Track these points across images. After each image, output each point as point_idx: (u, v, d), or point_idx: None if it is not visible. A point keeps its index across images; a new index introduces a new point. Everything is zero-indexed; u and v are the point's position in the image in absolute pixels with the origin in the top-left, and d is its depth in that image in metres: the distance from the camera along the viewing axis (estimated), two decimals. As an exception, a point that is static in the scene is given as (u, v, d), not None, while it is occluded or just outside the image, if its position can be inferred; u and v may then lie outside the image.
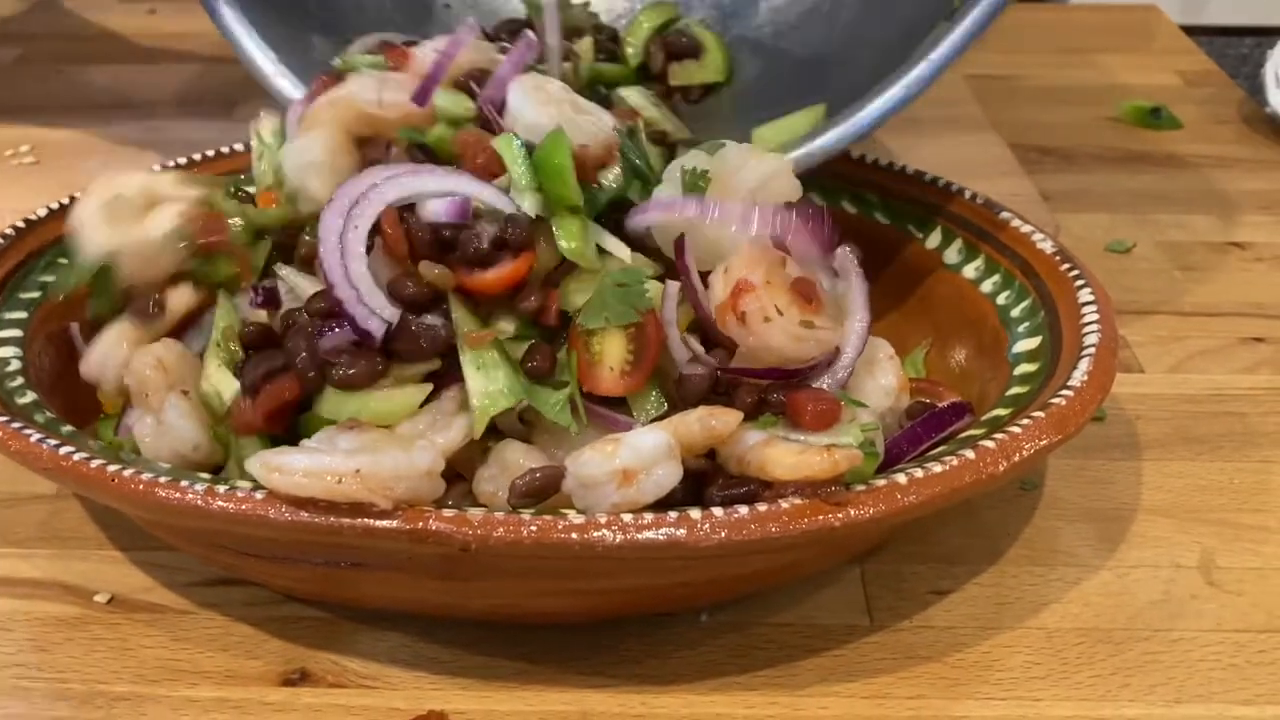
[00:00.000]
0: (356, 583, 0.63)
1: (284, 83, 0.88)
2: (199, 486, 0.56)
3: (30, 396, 0.68)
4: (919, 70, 0.76)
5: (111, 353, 0.68)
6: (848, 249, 0.67)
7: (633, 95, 0.81)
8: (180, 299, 0.67)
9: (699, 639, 0.67)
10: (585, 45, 0.89)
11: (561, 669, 0.65)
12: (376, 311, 0.61)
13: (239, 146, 0.91)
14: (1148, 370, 0.90)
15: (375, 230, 0.64)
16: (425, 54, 0.74)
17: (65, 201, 0.83)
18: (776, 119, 0.82)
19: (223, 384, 0.63)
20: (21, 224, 0.81)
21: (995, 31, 0.78)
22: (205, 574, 0.71)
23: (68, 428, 0.66)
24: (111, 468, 0.58)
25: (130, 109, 1.23)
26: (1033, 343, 0.73)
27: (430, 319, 0.62)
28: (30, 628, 0.69)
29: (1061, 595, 0.71)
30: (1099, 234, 1.07)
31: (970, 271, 0.81)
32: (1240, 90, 1.34)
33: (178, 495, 0.56)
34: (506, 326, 0.63)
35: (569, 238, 0.65)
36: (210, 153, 0.91)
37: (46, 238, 0.81)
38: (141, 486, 0.57)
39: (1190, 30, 1.53)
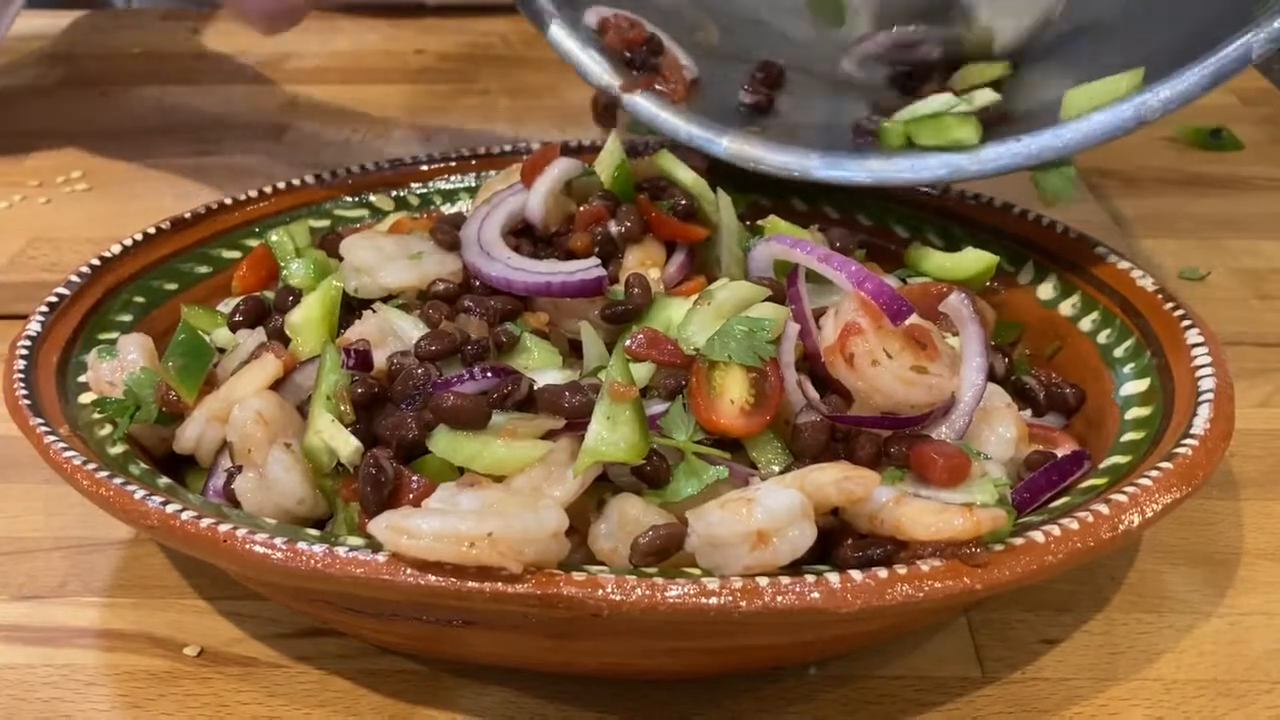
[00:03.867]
0: (463, 639, 0.61)
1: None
2: (318, 549, 0.55)
3: (121, 448, 0.66)
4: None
5: (207, 429, 0.67)
6: (962, 296, 0.66)
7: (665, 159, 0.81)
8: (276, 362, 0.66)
9: (810, 693, 0.66)
10: None
11: (673, 726, 0.64)
12: None
13: (263, 189, 0.89)
14: (1238, 405, 0.88)
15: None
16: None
17: (138, 238, 0.82)
18: (1093, 80, 0.80)
19: (338, 440, 0.61)
20: (96, 262, 0.79)
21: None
22: (295, 624, 0.70)
23: (164, 480, 0.64)
24: (223, 527, 0.56)
25: (178, 132, 1.22)
26: (1141, 384, 0.72)
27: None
28: (121, 683, 0.67)
29: (1174, 644, 0.69)
30: (1169, 260, 1.06)
31: (1067, 308, 0.79)
32: (1299, 109, 1.33)
33: (297, 559, 0.54)
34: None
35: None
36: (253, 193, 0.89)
37: (122, 274, 0.79)
38: (256, 549, 0.55)
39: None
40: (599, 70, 0.84)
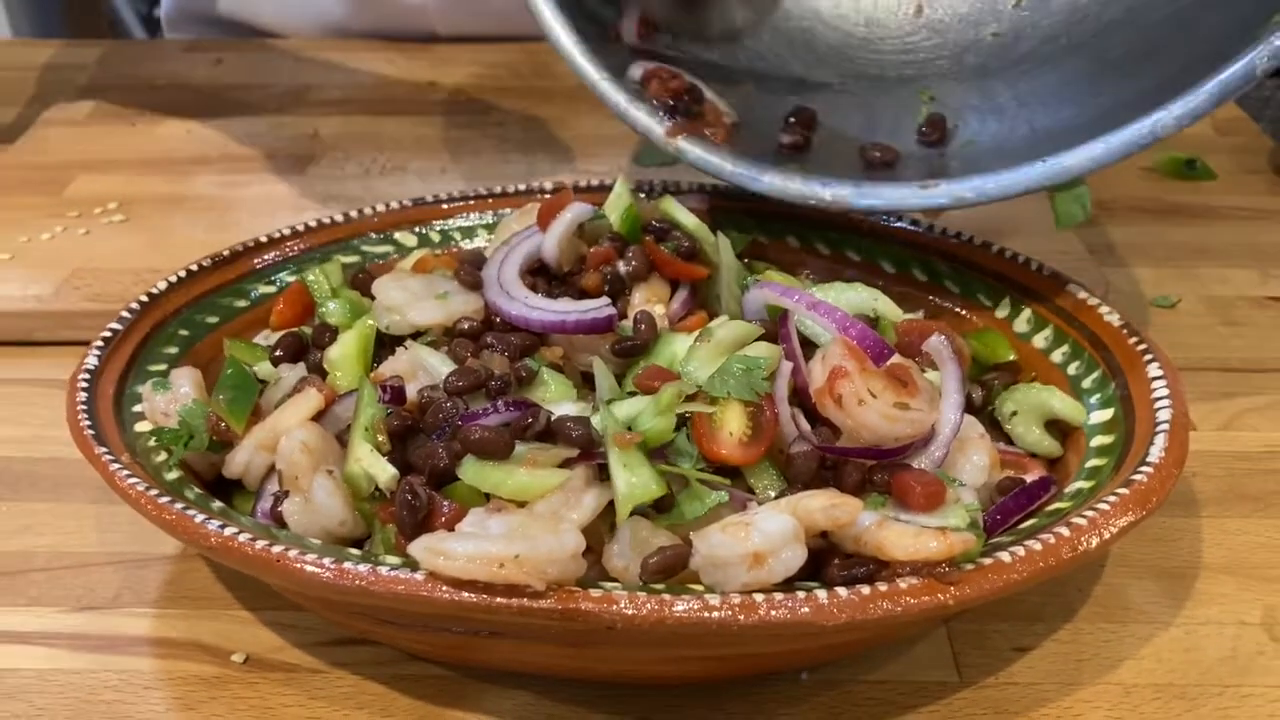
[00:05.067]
0: (488, 648, 0.68)
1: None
2: (363, 568, 0.61)
3: (176, 473, 0.73)
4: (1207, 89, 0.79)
5: (255, 456, 0.74)
6: (942, 338, 0.72)
7: (669, 204, 0.87)
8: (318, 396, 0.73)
9: (801, 697, 0.72)
10: None
11: (678, 727, 0.70)
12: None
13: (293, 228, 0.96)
14: (1200, 428, 0.95)
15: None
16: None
17: (181, 275, 0.88)
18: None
19: (376, 468, 0.68)
20: (144, 298, 0.85)
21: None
22: (331, 634, 0.76)
23: (217, 504, 0.70)
24: (276, 549, 0.63)
25: (207, 163, 1.28)
26: (1106, 414, 0.78)
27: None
28: (175, 687, 0.74)
29: (1135, 651, 0.76)
30: (1144, 288, 1.12)
31: (1040, 341, 0.86)
32: (1269, 140, 1.39)
33: (344, 577, 0.61)
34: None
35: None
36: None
37: (167, 309, 0.86)
38: (307, 568, 0.62)
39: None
40: (649, 120, 0.90)
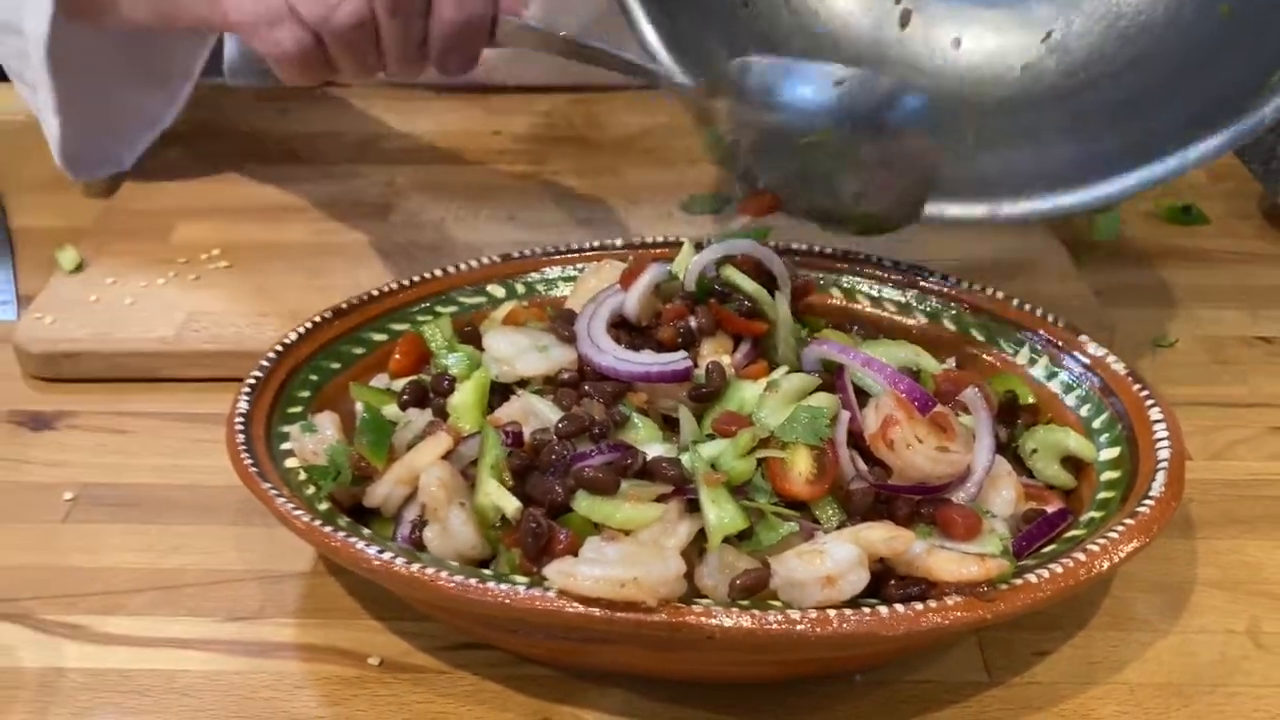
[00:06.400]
0: (594, 652, 0.81)
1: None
2: (504, 587, 0.74)
3: (325, 505, 0.86)
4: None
5: (393, 489, 0.87)
6: (976, 390, 0.86)
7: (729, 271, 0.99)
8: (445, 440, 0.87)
9: (856, 695, 0.85)
10: None
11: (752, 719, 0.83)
12: None
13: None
14: (1195, 457, 1.07)
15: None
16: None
17: (309, 326, 1.01)
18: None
19: (504, 501, 0.81)
20: (280, 348, 0.98)
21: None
22: (451, 638, 0.88)
23: (366, 531, 0.84)
24: (429, 571, 0.76)
25: (296, 210, 1.38)
26: (1114, 452, 0.91)
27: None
28: (321, 687, 0.86)
29: (1139, 655, 0.88)
30: (1145, 328, 1.24)
31: (1056, 386, 0.99)
32: (1258, 185, 1.52)
33: (487, 595, 0.74)
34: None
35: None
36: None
37: (299, 357, 0.99)
38: (453, 587, 0.75)
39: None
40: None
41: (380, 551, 0.78)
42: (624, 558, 0.74)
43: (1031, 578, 0.76)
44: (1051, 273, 1.27)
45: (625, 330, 0.97)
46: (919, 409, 0.83)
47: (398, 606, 0.90)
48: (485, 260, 1.11)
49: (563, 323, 0.95)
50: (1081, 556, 0.78)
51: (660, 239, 1.12)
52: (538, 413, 0.88)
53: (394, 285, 1.06)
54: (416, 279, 1.07)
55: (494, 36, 1.08)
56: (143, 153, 1.48)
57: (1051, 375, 0.99)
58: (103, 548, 0.98)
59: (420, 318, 1.05)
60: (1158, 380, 1.02)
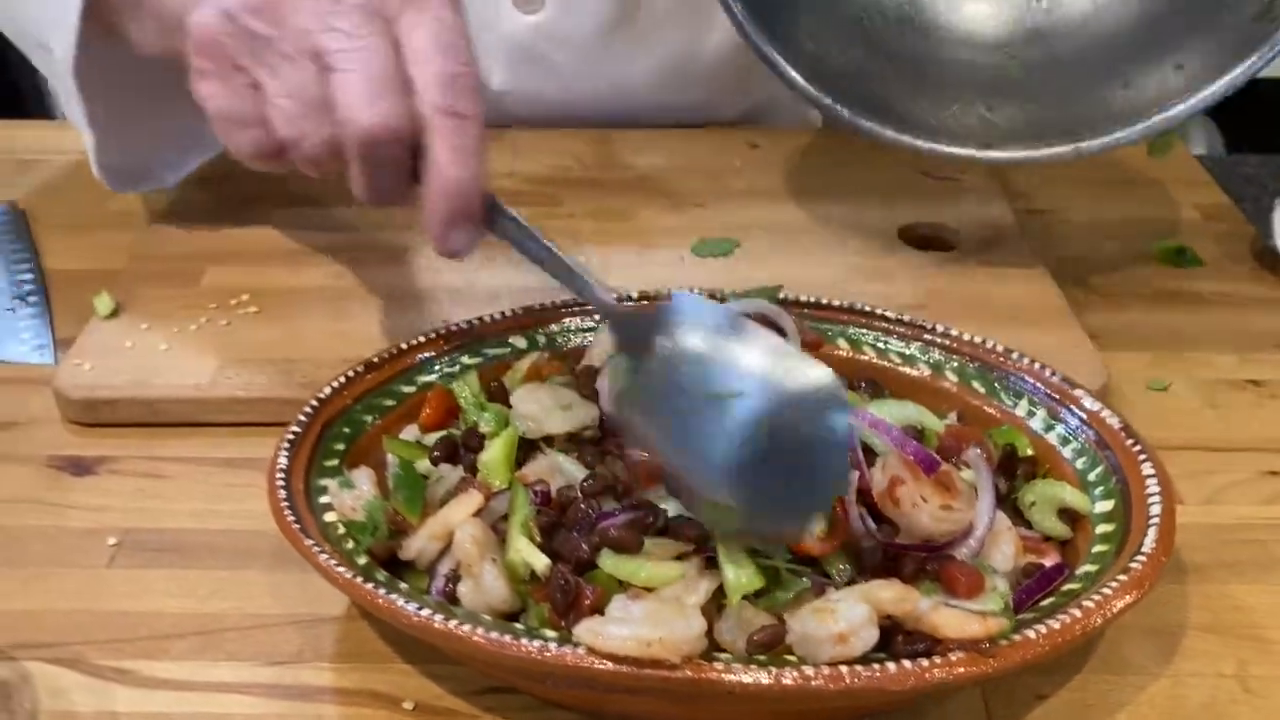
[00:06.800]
0: (618, 701, 0.86)
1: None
2: (536, 644, 0.80)
3: (364, 559, 0.91)
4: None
5: (427, 544, 0.92)
6: (978, 450, 0.91)
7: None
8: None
9: (864, 739, 0.90)
10: None
11: (766, 764, 0.88)
12: None
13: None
14: (1187, 502, 1.12)
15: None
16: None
17: (342, 381, 1.06)
18: None
19: (534, 558, 0.86)
20: (316, 402, 1.03)
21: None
22: (480, 684, 0.93)
23: (404, 585, 0.89)
24: (465, 628, 0.81)
25: (318, 253, 1.42)
26: (1108, 505, 0.96)
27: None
28: (358, 730, 0.92)
29: (1132, 699, 0.92)
30: (1141, 372, 1.29)
31: (1053, 439, 1.04)
32: (1251, 227, 1.56)
33: (522, 650, 0.79)
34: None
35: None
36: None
37: (333, 410, 1.04)
38: (489, 644, 0.80)
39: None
40: None
41: (419, 608, 0.83)
42: (649, 616, 0.79)
43: (1030, 633, 0.81)
44: (1053, 323, 1.31)
45: None
46: (924, 470, 0.88)
47: (429, 651, 0.95)
48: (507, 312, 1.15)
49: (585, 380, 1.00)
50: (1077, 613, 0.83)
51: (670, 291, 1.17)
52: (563, 470, 0.93)
53: (422, 339, 1.11)
54: (441, 330, 1.12)
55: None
56: (190, 170, 1.50)
57: (1049, 427, 1.04)
58: (146, 593, 1.02)
59: (448, 369, 1.10)
60: (1152, 424, 1.07)
